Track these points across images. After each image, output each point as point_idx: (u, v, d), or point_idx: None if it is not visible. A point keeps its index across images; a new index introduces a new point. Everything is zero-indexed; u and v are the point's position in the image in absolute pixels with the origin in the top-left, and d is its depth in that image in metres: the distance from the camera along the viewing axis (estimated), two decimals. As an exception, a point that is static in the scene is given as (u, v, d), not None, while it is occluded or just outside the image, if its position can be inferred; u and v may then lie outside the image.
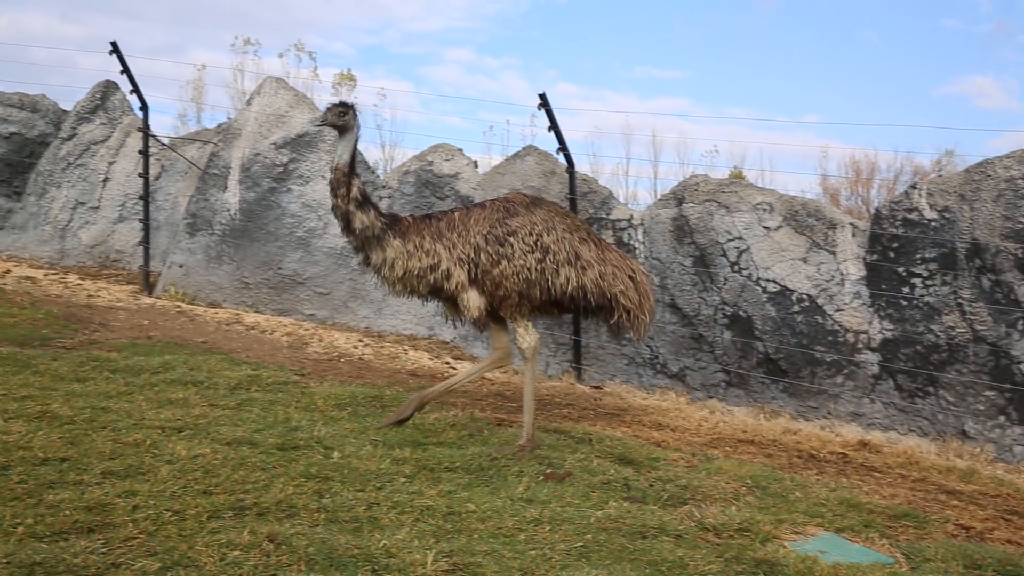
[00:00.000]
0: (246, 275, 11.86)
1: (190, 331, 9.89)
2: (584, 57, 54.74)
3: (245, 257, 11.91)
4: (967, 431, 7.93)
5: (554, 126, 9.89)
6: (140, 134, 13.13)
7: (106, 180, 13.99)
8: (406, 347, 10.28)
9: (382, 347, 10.10)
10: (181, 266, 12.33)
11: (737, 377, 9.07)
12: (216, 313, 11.21)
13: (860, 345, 8.55)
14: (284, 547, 3.99)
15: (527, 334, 6.31)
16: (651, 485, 5.68)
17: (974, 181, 8.17)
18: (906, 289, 8.38)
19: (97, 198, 14.00)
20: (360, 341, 10.26)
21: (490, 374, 9.33)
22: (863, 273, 8.65)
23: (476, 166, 11.45)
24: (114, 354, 7.98)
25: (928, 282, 8.29)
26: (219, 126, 13.49)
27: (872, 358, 8.48)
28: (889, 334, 8.42)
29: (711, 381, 9.19)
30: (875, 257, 8.60)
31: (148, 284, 12.52)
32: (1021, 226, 7.83)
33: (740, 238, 9.19)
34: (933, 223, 8.32)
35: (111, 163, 14.02)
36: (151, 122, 12.98)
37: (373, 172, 12.15)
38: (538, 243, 6.16)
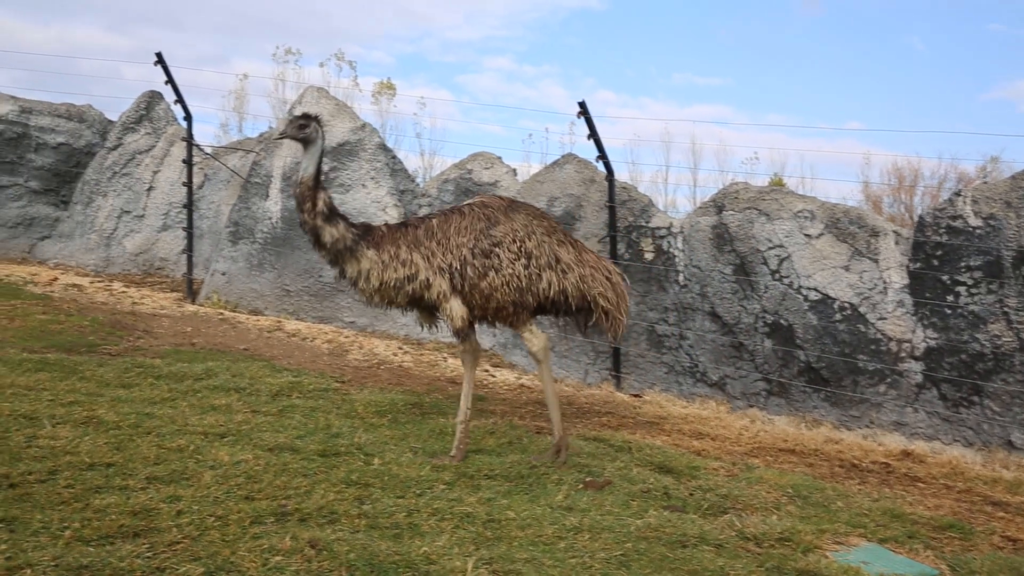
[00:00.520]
0: (287, 283, 11.96)
1: (232, 338, 9.99)
2: (623, 64, 54.74)
3: (286, 265, 12.02)
4: (1013, 441, 7.81)
5: (594, 134, 9.89)
6: (184, 143, 13.32)
7: (150, 189, 14.18)
8: (445, 354, 10.30)
9: (421, 354, 10.14)
10: (223, 274, 12.46)
11: (778, 386, 9.00)
12: (258, 320, 11.32)
13: (903, 354, 8.45)
14: (325, 553, 4.02)
15: (534, 337, 6.16)
16: (691, 494, 5.65)
17: (1020, 188, 8.06)
18: (950, 297, 8.28)
19: (142, 207, 14.19)
20: (400, 348, 10.30)
21: (529, 383, 9.34)
22: (906, 281, 8.56)
23: (515, 174, 11.48)
24: (158, 361, 8.08)
25: (973, 290, 8.18)
26: (261, 135, 13.63)
27: (915, 367, 8.38)
28: (933, 343, 8.32)
29: (752, 390, 9.13)
30: (919, 265, 8.50)
31: (191, 291, 12.67)
32: (1069, 234, 7.72)
33: (781, 246, 9.13)
34: (978, 231, 8.21)
35: (155, 172, 14.22)
36: (194, 131, 13.18)
37: (413, 180, 12.21)
38: (522, 249, 6.03)
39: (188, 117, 13.08)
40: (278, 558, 3.94)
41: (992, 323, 8.03)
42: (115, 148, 14.48)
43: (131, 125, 14.55)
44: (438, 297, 5.91)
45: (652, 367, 9.74)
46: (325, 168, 11.68)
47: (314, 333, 10.75)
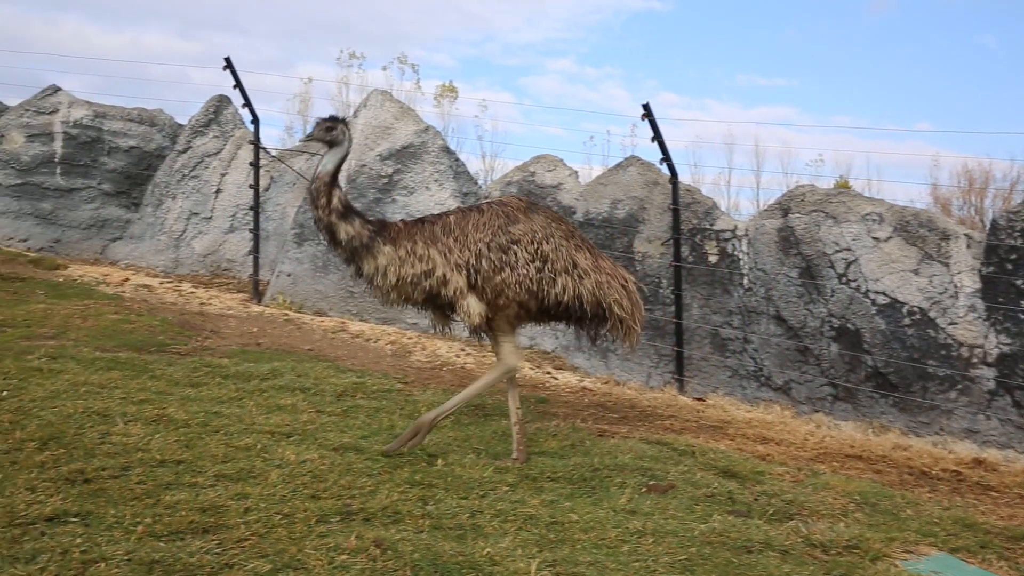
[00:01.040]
0: (351, 284, 12.08)
1: (297, 339, 10.12)
2: (686, 66, 54.43)
3: (350, 266, 12.12)
4: (1090, 451, 7.61)
5: (658, 136, 9.84)
6: (251, 146, 13.53)
7: (218, 191, 14.42)
8: (507, 357, 10.32)
9: (483, 356, 10.17)
10: (289, 275, 12.63)
11: (844, 391, 8.87)
12: (322, 321, 11.44)
13: (975, 360, 8.27)
14: (390, 552, 4.05)
15: (512, 353, 6.02)
16: (756, 499, 5.59)
17: (1098, 190, 7.85)
18: (1024, 302, 8.09)
19: (210, 209, 14.44)
20: (462, 350, 10.35)
21: (591, 385, 9.32)
22: (978, 286, 8.38)
23: (577, 177, 11.47)
24: (225, 360, 8.21)
25: (1048, 295, 7.98)
26: (326, 138, 13.78)
27: (988, 373, 8.20)
28: (1006, 349, 8.13)
29: (817, 395, 9.01)
30: (991, 269, 8.32)
31: (257, 292, 12.86)
32: None
33: (848, 249, 9.00)
34: (1053, 234, 8.01)
35: (223, 175, 14.46)
36: (260, 135, 13.37)
37: (476, 183, 12.26)
38: (538, 251, 5.91)
39: (255, 121, 13.30)
40: (343, 557, 3.98)
41: (1068, 329, 7.83)
42: (184, 151, 14.75)
43: (200, 129, 14.81)
44: (455, 294, 5.79)
45: (716, 371, 9.66)
46: (389, 170, 11.80)
47: (378, 334, 10.84)
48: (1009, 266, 8.21)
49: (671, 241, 10.01)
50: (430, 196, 11.81)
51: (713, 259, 9.84)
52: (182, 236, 14.50)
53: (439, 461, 5.62)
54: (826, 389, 8.97)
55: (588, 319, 6.15)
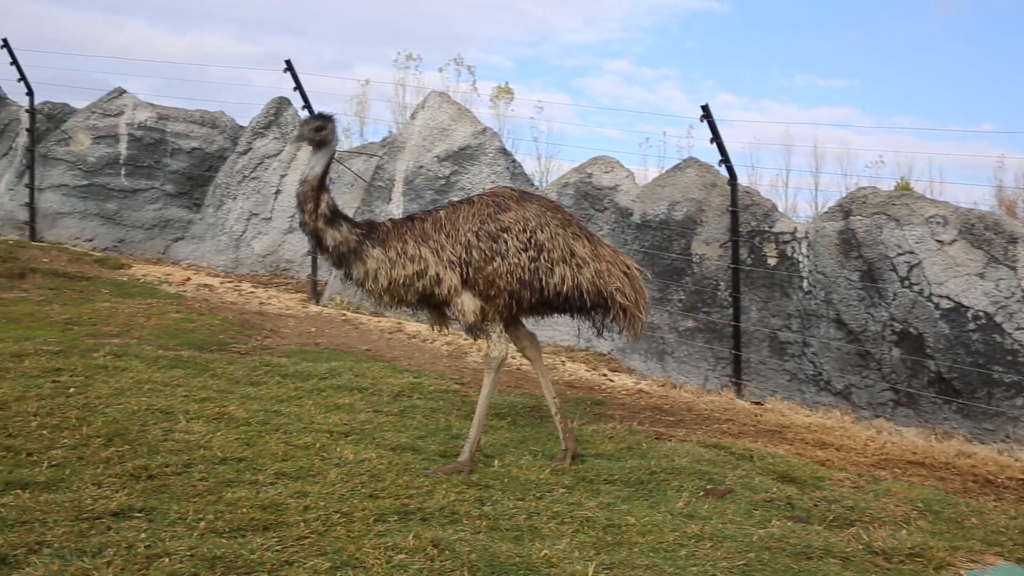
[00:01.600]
0: (408, 285, 12.13)
1: (355, 339, 10.20)
2: (744, 66, 53.94)
3: (407, 267, 12.19)
4: None
5: (716, 138, 9.77)
6: (309, 148, 13.65)
7: (278, 192, 14.59)
8: (563, 358, 10.32)
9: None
10: (347, 276, 12.71)
11: (906, 396, 8.72)
12: (379, 322, 11.53)
13: (1042, 366, 8.09)
14: (447, 552, 4.07)
15: (499, 342, 5.75)
16: (815, 505, 5.52)
17: None
18: (1094, 307, 7.89)
19: (269, 209, 14.61)
20: (517, 352, 10.34)
21: (647, 387, 9.28)
22: (1046, 290, 8.19)
23: (634, 178, 11.43)
24: (284, 360, 8.31)
25: (1119, 300, 7.78)
26: (384, 139, 13.90)
27: (1055, 380, 8.01)
28: (1075, 355, 7.95)
29: (878, 400, 8.87)
30: (1059, 273, 8.13)
31: (315, 293, 12.99)
32: None
33: (911, 252, 8.85)
34: (1125, 237, 7.81)
35: (282, 176, 14.62)
36: (320, 137, 13.49)
37: (532, 184, 12.27)
38: (532, 240, 5.69)
39: (315, 122, 13.42)
40: (401, 556, 4.01)
41: None
42: (245, 153, 14.95)
43: (260, 130, 15.00)
44: (449, 292, 5.62)
45: (774, 374, 9.56)
46: (447, 172, 11.85)
47: (434, 335, 10.88)
48: (1078, 270, 8.02)
49: (729, 243, 9.92)
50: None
51: (772, 261, 9.74)
52: (242, 236, 14.70)
53: (496, 462, 5.63)
54: (887, 394, 8.83)
55: (590, 309, 6.00)
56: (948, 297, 8.61)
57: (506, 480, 5.30)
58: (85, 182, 15.19)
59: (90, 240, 15.10)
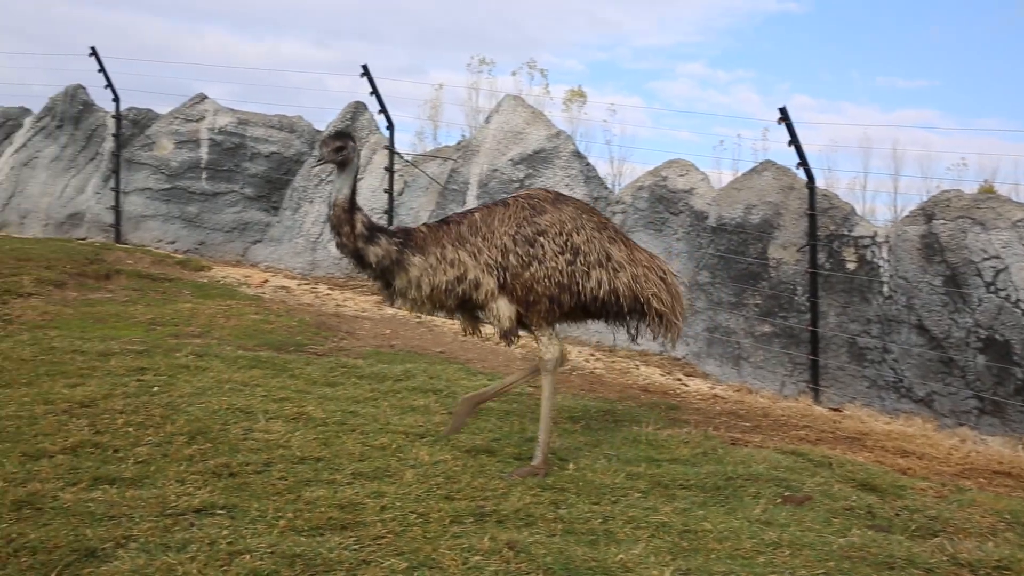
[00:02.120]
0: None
1: (429, 341, 10.27)
2: (821, 68, 53.15)
3: (481, 270, 12.25)
4: None
5: (794, 140, 9.65)
6: (385, 151, 13.82)
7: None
8: (637, 362, 10.27)
9: (613, 361, 10.13)
10: (421, 278, 12.81)
11: (992, 404, 8.49)
12: (453, 324, 11.57)
13: None
14: (523, 555, 4.07)
15: (551, 344, 5.67)
16: (897, 514, 5.40)
17: None
18: None
19: (345, 213, 14.79)
20: (592, 355, 10.33)
21: (723, 392, 9.18)
22: None
23: (709, 181, 11.34)
24: (360, 361, 8.40)
25: None
26: (459, 143, 13.99)
27: None
28: None
29: (962, 408, 8.66)
30: None
31: (390, 295, 13.08)
32: None
33: (997, 257, 8.63)
34: None
35: (358, 179, 14.81)
36: (394, 140, 13.64)
37: (607, 187, 12.23)
38: (568, 243, 5.55)
39: (390, 126, 13.59)
40: (477, 558, 4.02)
41: None
42: (322, 157, 15.16)
43: (337, 135, 15.20)
44: (486, 296, 5.48)
45: (853, 381, 9.39)
46: (521, 175, 11.87)
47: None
48: None
49: (807, 247, 9.78)
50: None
51: (851, 266, 9.57)
52: (319, 239, 14.90)
53: (570, 465, 5.62)
54: (971, 402, 8.62)
55: (626, 315, 5.85)
56: (1036, 303, 8.37)
57: (581, 484, 5.28)
58: (168, 186, 15.55)
59: (172, 242, 15.45)
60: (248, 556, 3.82)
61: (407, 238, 5.50)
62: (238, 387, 6.85)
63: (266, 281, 13.51)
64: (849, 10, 60.50)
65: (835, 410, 8.96)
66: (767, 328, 10.02)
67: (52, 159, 16.86)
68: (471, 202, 12.47)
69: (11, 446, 5.10)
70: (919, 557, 4.60)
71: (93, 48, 15.85)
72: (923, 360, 8.94)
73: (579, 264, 5.57)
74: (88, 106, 16.95)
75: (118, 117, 16.09)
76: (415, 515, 4.50)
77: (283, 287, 13.20)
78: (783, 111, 9.68)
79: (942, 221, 9.01)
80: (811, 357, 9.56)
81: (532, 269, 5.47)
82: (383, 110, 13.45)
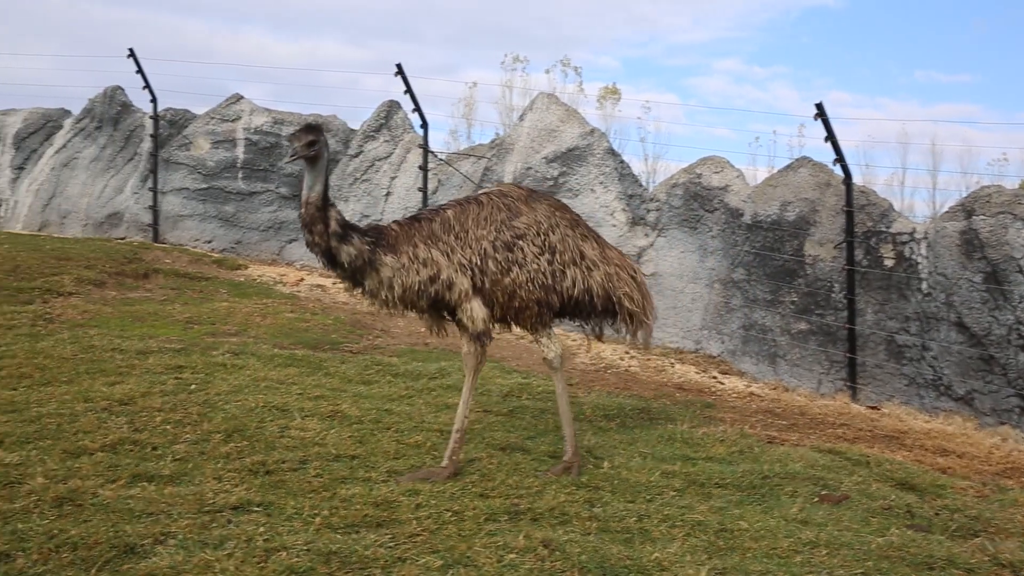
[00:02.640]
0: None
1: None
2: (859, 63, 52.59)
3: (515, 268, 12.24)
4: None
5: (831, 136, 9.56)
6: (420, 150, 13.85)
7: (388, 194, 14.81)
8: (672, 360, 10.22)
9: (648, 359, 10.10)
10: (455, 276, 12.83)
11: (1033, 403, 8.37)
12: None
13: None
14: (558, 553, 4.07)
15: (551, 343, 5.56)
16: (937, 514, 5.34)
17: None
18: None
19: (380, 211, 14.85)
20: (626, 353, 10.30)
21: (759, 390, 9.13)
22: None
23: (744, 178, 11.26)
24: (395, 359, 8.43)
25: None
26: (492, 141, 13.98)
27: None
28: None
29: (1003, 406, 8.53)
30: None
31: (425, 293, 13.11)
32: None
33: (1038, 253, 8.49)
34: None
35: (393, 178, 14.84)
36: (428, 139, 13.68)
37: (641, 185, 12.18)
38: (546, 243, 5.44)
39: (424, 125, 13.64)
40: (512, 556, 4.03)
41: None
42: (356, 155, 15.21)
43: (371, 133, 15.25)
44: (460, 297, 5.30)
45: (891, 379, 9.29)
46: (555, 173, 11.85)
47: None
48: None
49: (844, 244, 9.68)
50: (595, 198, 11.81)
51: (889, 263, 9.47)
52: (354, 238, 14.95)
53: (605, 464, 5.61)
54: (1013, 400, 8.49)
55: (599, 314, 5.79)
56: (1079, 300, 8.24)
57: (616, 482, 5.27)
58: (204, 185, 15.69)
59: (209, 241, 15.58)
60: (284, 553, 3.86)
61: (379, 237, 5.31)
62: (274, 385, 6.91)
63: (302, 280, 13.58)
64: (887, 3, 59.82)
65: (873, 408, 8.87)
66: (803, 326, 9.94)
67: (91, 160, 17.06)
68: (505, 200, 12.46)
69: (52, 443, 5.18)
70: (959, 558, 4.54)
71: (131, 49, 16.02)
72: (963, 358, 8.83)
73: (556, 263, 5.49)
74: (126, 107, 17.12)
75: (156, 118, 16.25)
76: (450, 513, 4.52)
77: (318, 285, 13.27)
78: (820, 107, 9.59)
79: (982, 217, 8.89)
80: (848, 355, 9.47)
81: (513, 274, 5.35)
82: (417, 108, 13.49)
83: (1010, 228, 8.67)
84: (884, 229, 9.60)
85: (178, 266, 13.14)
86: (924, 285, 9.20)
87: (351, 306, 11.76)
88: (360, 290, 5.40)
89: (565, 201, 11.77)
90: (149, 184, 16.03)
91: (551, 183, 12.10)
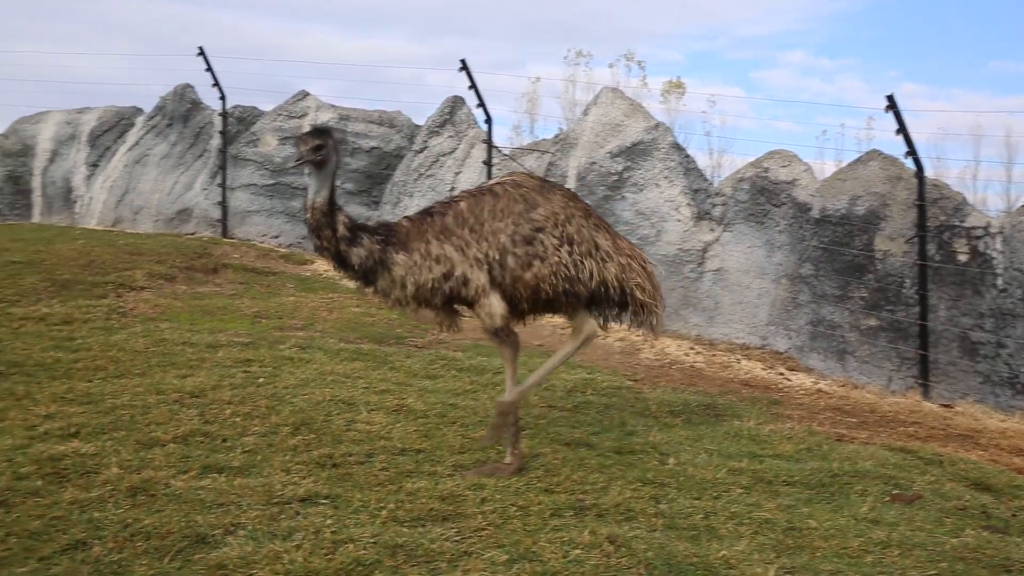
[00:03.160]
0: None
1: (527, 334, 10.24)
2: (930, 54, 51.49)
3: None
4: None
5: (903, 129, 9.37)
6: (484, 145, 13.88)
7: (452, 189, 14.86)
8: (738, 356, 10.11)
9: (713, 355, 10.00)
10: (519, 271, 12.82)
11: (1114, 402, 8.12)
12: (551, 318, 11.57)
13: None
14: (624, 549, 4.05)
15: (587, 319, 5.47)
16: (1014, 515, 5.21)
17: None
18: None
19: (444, 207, 14.92)
20: (691, 348, 10.21)
21: (827, 387, 8.99)
22: None
23: (812, 172, 11.09)
24: (459, 354, 8.46)
25: None
26: (556, 136, 13.95)
27: None
28: None
29: (1082, 405, 8.30)
30: None
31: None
32: None
33: (1120, 247, 8.24)
34: None
35: (456, 173, 14.89)
36: (492, 134, 13.70)
37: (706, 179, 12.06)
38: (564, 234, 5.25)
39: (488, 120, 13.65)
40: (577, 551, 4.02)
41: None
42: (421, 151, 15.29)
43: (436, 129, 15.32)
44: (476, 292, 5.12)
45: (965, 376, 9.08)
46: (619, 167, 11.79)
47: (605, 332, 10.84)
48: None
49: (916, 239, 9.49)
50: (660, 193, 11.72)
51: (963, 258, 9.25)
52: (418, 233, 15.03)
53: (671, 460, 5.57)
54: (1092, 399, 8.25)
55: (615, 305, 5.59)
56: None
57: (682, 479, 5.22)
58: (272, 181, 15.90)
59: (276, 237, 15.79)
60: (351, 545, 3.89)
61: (389, 234, 5.16)
62: (340, 379, 6.97)
63: (367, 275, 13.66)
64: (960, -8, 58.44)
65: (946, 406, 8.68)
66: (873, 322, 9.76)
67: (162, 156, 17.39)
68: (569, 195, 12.42)
69: (126, 434, 5.29)
70: (1037, 560, 4.43)
71: (201, 48, 16.29)
72: (1040, 355, 8.60)
73: (575, 255, 5.31)
74: (196, 104, 17.43)
75: (224, 115, 16.50)
76: (515, 507, 4.52)
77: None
78: (891, 99, 9.41)
79: (1060, 211, 8.65)
80: (920, 352, 9.27)
81: (535, 268, 5.16)
82: (481, 104, 13.52)
83: (1090, 222, 8.42)
84: (958, 223, 9.39)
85: (246, 261, 13.33)
86: (999, 281, 8.98)
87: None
88: (371, 289, 5.24)
89: (630, 196, 11.74)
90: (218, 180, 16.29)
91: (615, 178, 12.04)
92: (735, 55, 56.13)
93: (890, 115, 9.54)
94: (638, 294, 5.54)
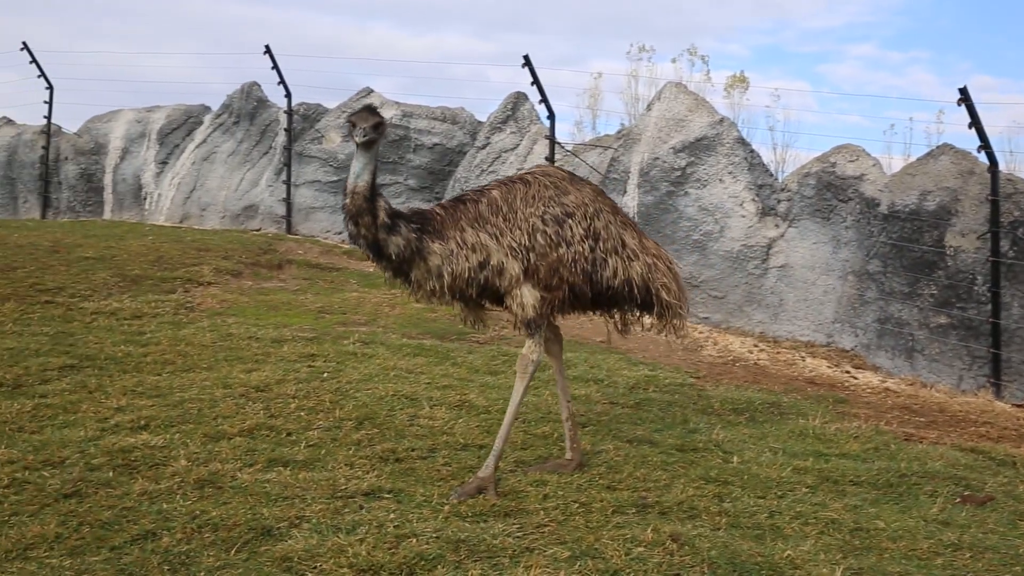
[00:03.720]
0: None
1: (589, 330, 10.24)
2: (1004, 45, 50.16)
3: (641, 260, 12.12)
4: None
5: (976, 122, 9.16)
6: (546, 141, 13.86)
7: (514, 186, 14.88)
8: (803, 354, 9.97)
9: (778, 353, 9.88)
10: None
11: None
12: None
13: None
14: (687, 548, 4.02)
15: (537, 345, 5.01)
16: (1090, 519, 5.06)
17: None
18: None
19: (506, 203, 14.93)
20: (755, 346, 10.10)
21: (895, 386, 8.83)
22: None
23: (881, 167, 10.89)
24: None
25: None
26: (619, 131, 13.88)
27: None
28: None
29: None
30: None
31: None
32: None
33: None
34: None
35: (519, 169, 14.88)
36: (554, 130, 13.68)
37: (771, 175, 11.91)
38: (591, 228, 5.08)
39: (551, 116, 13.63)
40: (640, 549, 4.00)
41: None
42: (483, 147, 15.32)
43: (498, 125, 15.33)
44: (510, 283, 4.91)
45: (1038, 376, 8.85)
46: (682, 163, 11.71)
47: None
48: None
49: (989, 235, 9.26)
50: (723, 188, 11.60)
51: (1037, 254, 9.02)
52: (480, 229, 15.06)
53: (735, 458, 5.51)
54: None
55: (638, 305, 5.38)
56: None
57: (745, 477, 5.17)
58: (335, 178, 16.04)
59: (339, 233, 15.92)
60: (415, 540, 3.91)
61: (424, 222, 4.91)
62: (403, 374, 7.03)
63: (429, 270, 13.74)
64: (1034, -18, 56.91)
65: (1019, 407, 8.46)
66: (943, 319, 9.56)
67: (229, 154, 17.65)
68: (631, 191, 12.37)
69: (194, 427, 5.39)
70: (1115, 565, 4.30)
71: (267, 46, 16.49)
72: (1118, 355, 8.35)
73: (599, 250, 5.13)
74: (262, 102, 17.65)
75: (290, 112, 16.69)
76: (577, 504, 4.51)
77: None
78: (963, 91, 9.19)
79: None
80: (992, 350, 9.06)
81: (560, 251, 4.96)
82: (544, 100, 13.50)
83: None
84: (1032, 219, 9.15)
85: (310, 257, 13.49)
86: (1075, 278, 8.73)
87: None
88: (402, 280, 4.97)
89: (693, 191, 11.64)
90: (283, 177, 16.49)
91: (678, 173, 11.94)
92: (801, 48, 55.28)
93: (962, 108, 9.32)
94: (664, 295, 5.38)
